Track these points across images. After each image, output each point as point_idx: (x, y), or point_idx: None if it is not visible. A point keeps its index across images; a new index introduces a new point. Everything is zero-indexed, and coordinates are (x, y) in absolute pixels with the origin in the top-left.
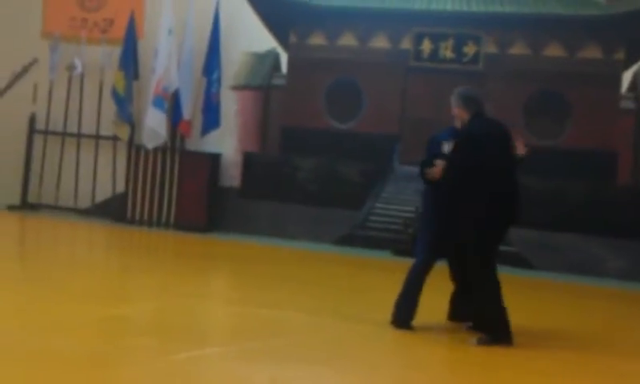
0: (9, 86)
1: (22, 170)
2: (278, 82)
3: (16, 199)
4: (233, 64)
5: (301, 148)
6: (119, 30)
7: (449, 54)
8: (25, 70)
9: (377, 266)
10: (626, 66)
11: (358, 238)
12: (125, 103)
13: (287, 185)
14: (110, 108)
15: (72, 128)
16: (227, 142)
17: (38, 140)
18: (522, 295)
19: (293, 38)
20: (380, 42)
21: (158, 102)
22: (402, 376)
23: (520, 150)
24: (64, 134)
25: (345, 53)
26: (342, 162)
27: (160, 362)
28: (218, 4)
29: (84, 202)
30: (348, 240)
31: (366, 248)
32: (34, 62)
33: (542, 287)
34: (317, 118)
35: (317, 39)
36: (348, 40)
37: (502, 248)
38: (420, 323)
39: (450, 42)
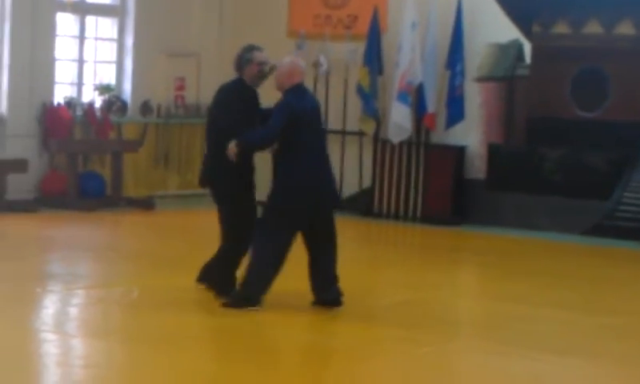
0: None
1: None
2: (521, 72)
3: None
4: (476, 56)
5: (546, 138)
6: (363, 26)
7: None
8: (272, 69)
9: (627, 258)
10: None
11: (607, 229)
12: (370, 99)
13: (533, 175)
14: (355, 104)
15: None
16: (472, 134)
17: None
18: None
19: (536, 28)
20: (626, 29)
21: (402, 97)
22: None
23: None
24: None
25: (590, 41)
26: (588, 152)
27: (412, 354)
28: None
29: None
30: (597, 231)
31: (615, 239)
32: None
33: None
34: (562, 107)
35: (561, 28)
36: (593, 28)
37: None
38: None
39: None
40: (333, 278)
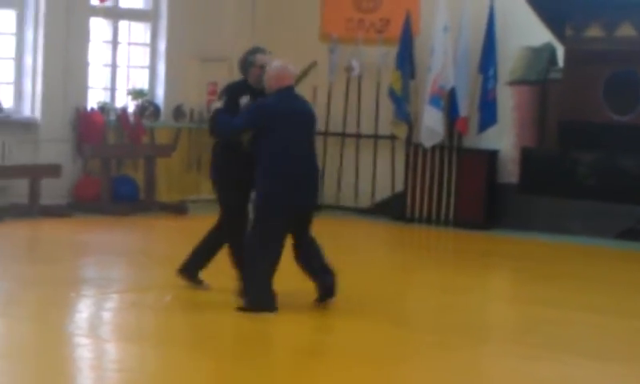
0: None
1: None
2: (554, 75)
3: None
4: (509, 59)
5: (579, 142)
6: (395, 30)
7: None
8: (304, 73)
9: None
10: None
11: None
12: (402, 103)
13: (566, 179)
14: (387, 108)
15: (351, 128)
16: (504, 138)
17: (319, 141)
18: None
19: (569, 31)
20: None
21: (434, 101)
22: None
23: None
24: (343, 135)
25: (623, 44)
26: (621, 155)
27: (443, 358)
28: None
29: (364, 202)
30: (630, 235)
31: None
32: (314, 64)
33: None
34: (595, 111)
35: (593, 31)
36: (626, 30)
37: None
38: None
39: None
40: (324, 266)
